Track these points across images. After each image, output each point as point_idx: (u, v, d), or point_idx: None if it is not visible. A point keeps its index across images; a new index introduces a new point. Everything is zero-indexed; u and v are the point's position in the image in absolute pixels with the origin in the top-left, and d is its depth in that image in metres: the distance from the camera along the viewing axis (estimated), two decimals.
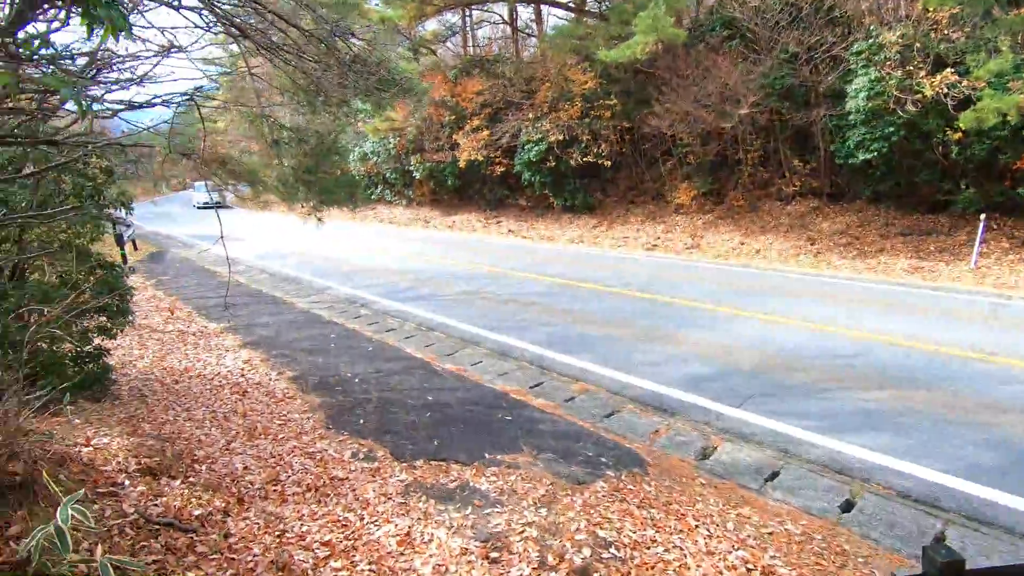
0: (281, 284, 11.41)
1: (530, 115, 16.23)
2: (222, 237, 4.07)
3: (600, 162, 15.05)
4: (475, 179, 19.93)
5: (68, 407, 5.00)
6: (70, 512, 2.14)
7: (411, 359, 6.81)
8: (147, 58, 4.02)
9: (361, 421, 5.08)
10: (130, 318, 6.18)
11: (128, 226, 19.85)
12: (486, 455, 4.36)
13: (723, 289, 9.61)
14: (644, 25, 10.46)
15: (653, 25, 10.39)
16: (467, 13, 20.45)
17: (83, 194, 5.62)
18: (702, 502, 3.81)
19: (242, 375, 6.46)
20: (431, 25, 21.52)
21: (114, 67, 4.11)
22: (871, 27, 10.43)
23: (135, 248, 17.92)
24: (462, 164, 18.47)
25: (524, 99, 16.68)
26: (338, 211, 26.78)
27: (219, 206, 31.66)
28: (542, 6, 17.95)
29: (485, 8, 20.72)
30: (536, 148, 16.24)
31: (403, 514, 3.58)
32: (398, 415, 5.18)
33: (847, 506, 3.75)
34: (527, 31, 20.79)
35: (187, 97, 3.20)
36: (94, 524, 2.37)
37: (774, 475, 4.13)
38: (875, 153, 10.60)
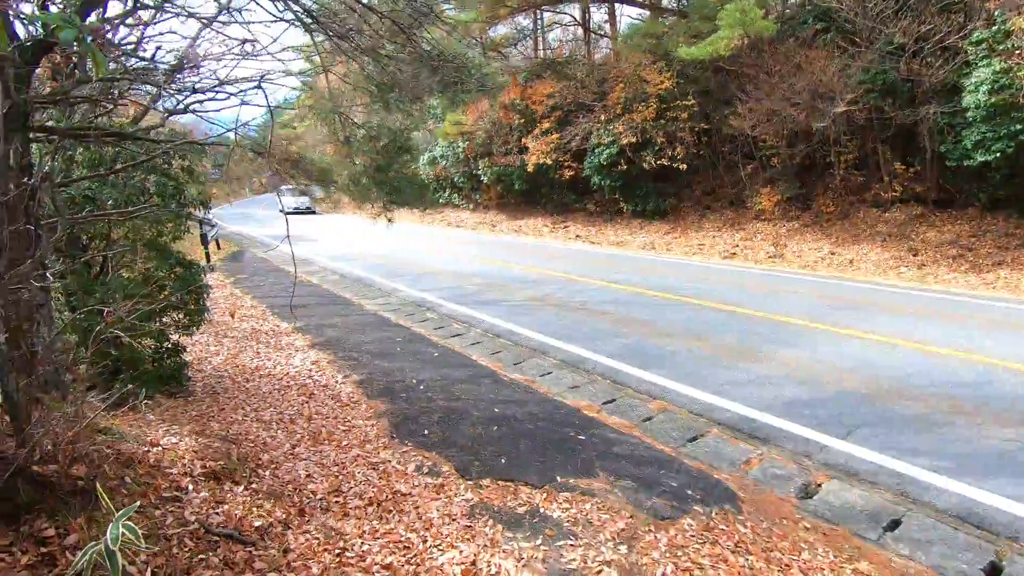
0: (351, 285, 11.54)
1: (602, 117, 15.77)
2: (288, 237, 3.94)
3: (675, 165, 14.37)
4: (543, 183, 19.65)
5: (144, 403, 5.08)
6: (121, 530, 1.99)
7: (477, 367, 6.56)
8: (227, 58, 3.98)
9: (425, 431, 4.86)
10: (206, 315, 6.28)
11: (212, 226, 20.96)
12: (558, 478, 4.01)
13: (814, 303, 8.80)
14: (730, 19, 9.81)
15: (740, 19, 9.72)
16: (539, 15, 20.23)
17: (165, 193, 5.75)
18: (808, 551, 3.29)
19: (309, 376, 6.44)
20: (501, 29, 21.50)
21: (196, 69, 4.11)
22: (995, 13, 9.28)
23: (218, 247, 18.86)
24: (530, 168, 18.25)
25: (596, 101, 16.24)
26: (408, 214, 27.32)
27: (309, 212, 32.54)
28: (616, 5, 17.45)
29: (557, 10, 20.44)
30: (607, 151, 15.76)
31: (468, 539, 3.29)
32: (463, 427, 4.93)
33: (993, 571, 3.12)
34: (599, 32, 20.33)
35: (255, 85, 3.07)
36: (144, 543, 2.22)
37: (895, 524, 3.54)
38: (997, 154, 9.41)
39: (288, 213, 32.39)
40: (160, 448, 3.87)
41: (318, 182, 7.08)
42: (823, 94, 11.10)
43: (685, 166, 14.39)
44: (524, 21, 20.92)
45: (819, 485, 3.99)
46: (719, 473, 4.16)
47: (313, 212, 32.04)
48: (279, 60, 8.82)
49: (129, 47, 3.48)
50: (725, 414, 5.12)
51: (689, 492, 3.85)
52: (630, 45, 15.00)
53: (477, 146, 20.83)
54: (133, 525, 2.15)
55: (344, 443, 4.74)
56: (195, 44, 4.63)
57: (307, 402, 5.70)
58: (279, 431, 5.00)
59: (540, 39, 21.50)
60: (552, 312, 8.80)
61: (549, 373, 6.32)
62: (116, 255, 5.94)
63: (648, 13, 17.23)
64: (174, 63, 4.01)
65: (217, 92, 3.79)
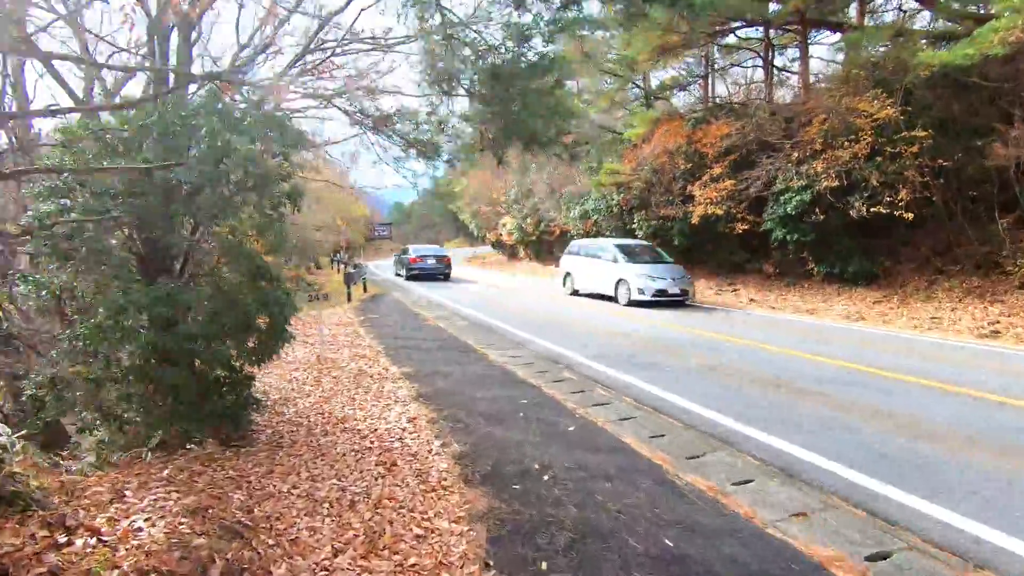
0: (479, 332, 10.03)
1: (793, 156, 13.07)
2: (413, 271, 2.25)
3: (896, 214, 11.12)
4: (707, 239, 17.06)
5: (174, 447, 3.73)
6: None
7: (630, 454, 4.38)
8: None
9: (543, 566, 2.81)
10: (284, 344, 4.97)
11: (357, 266, 21.44)
12: None
13: None
14: (1013, 3, 6.98)
15: None
16: (711, 50, 18.32)
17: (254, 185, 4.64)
18: None
19: (399, 438, 4.76)
20: (669, 72, 19.93)
21: None
22: None
23: (364, 290, 18.95)
24: (695, 220, 15.86)
25: (784, 139, 13.61)
26: (555, 268, 25.99)
27: (440, 275, 28.94)
28: (810, 29, 14.92)
29: (732, 46, 18.39)
30: (797, 198, 12.93)
31: None
32: (609, 567, 2.80)
33: None
34: (785, 69, 17.77)
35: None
36: None
37: None
38: None
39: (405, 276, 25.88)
40: (112, 536, 2.31)
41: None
42: None
43: (910, 215, 11.05)
44: (694, 58, 19.10)
45: None
46: None
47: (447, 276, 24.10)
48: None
49: None
50: None
51: None
52: (843, 63, 12.34)
53: (633, 197, 18.97)
54: None
55: (409, 562, 2.87)
56: None
57: (383, 476, 3.97)
58: (327, 520, 3.29)
59: (712, 77, 19.44)
60: (734, 385, 6.33)
61: (748, 481, 3.94)
62: (201, 259, 4.94)
63: (845, 33, 14.41)
64: None
65: None
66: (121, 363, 3.79)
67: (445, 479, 3.89)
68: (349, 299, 15.36)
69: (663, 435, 4.86)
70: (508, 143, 5.80)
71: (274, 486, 3.69)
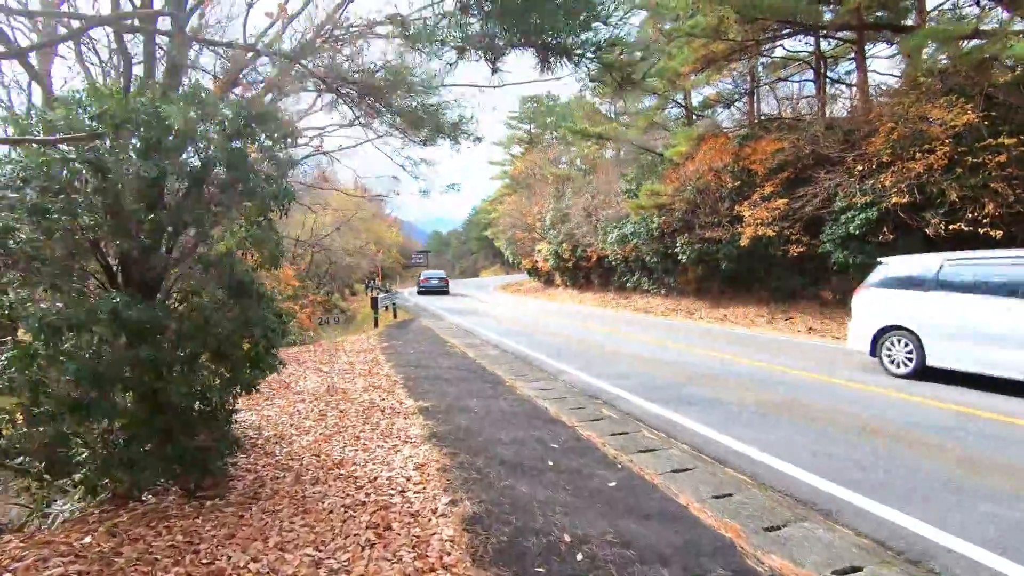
0: (509, 362, 9.15)
1: (856, 170, 11.90)
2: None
3: (983, 231, 9.81)
4: (757, 263, 15.84)
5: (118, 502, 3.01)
6: None
7: (690, 523, 3.40)
8: None
9: None
10: (269, 372, 4.23)
11: (387, 291, 21.00)
12: None
13: None
14: None
15: None
16: (756, 64, 17.36)
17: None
18: None
19: (401, 491, 3.90)
20: (710, 90, 19.04)
21: None
22: None
23: (395, 316, 18.39)
24: (744, 242, 14.71)
25: (845, 152, 12.46)
26: (590, 297, 25.04)
27: (440, 289, 30.14)
28: (867, 36, 13.84)
29: (780, 60, 17.40)
30: (861, 216, 11.71)
31: None
32: None
33: None
34: (840, 81, 16.64)
35: None
36: None
37: None
38: None
39: (419, 292, 30.79)
40: None
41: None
42: None
43: (999, 232, 9.71)
44: (736, 74, 18.16)
45: None
46: None
47: (444, 292, 30.68)
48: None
49: None
50: None
51: None
52: (913, 67, 11.22)
53: (675, 220, 17.96)
54: None
55: None
56: None
57: (372, 545, 3.11)
58: None
59: (756, 97, 18.43)
60: (810, 430, 5.24)
61: (856, 570, 2.91)
62: (188, 274, 4.28)
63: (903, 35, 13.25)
64: None
65: None
66: (53, 394, 3.09)
67: (448, 553, 3.00)
68: (376, 324, 14.76)
69: (729, 494, 3.85)
70: (511, 40, 4.07)
71: (228, 558, 2.87)
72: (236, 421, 4.43)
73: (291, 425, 5.55)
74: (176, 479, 3.65)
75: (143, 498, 3.55)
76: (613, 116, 29.31)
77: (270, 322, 4.17)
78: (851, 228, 12.03)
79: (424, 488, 3.93)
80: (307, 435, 5.28)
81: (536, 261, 32.63)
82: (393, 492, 3.89)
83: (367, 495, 3.86)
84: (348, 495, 3.87)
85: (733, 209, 15.31)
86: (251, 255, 4.39)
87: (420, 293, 29.48)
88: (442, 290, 30.14)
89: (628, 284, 23.66)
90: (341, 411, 6.08)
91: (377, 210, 27.89)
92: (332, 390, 6.98)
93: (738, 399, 6.38)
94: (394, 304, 18.79)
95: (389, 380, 7.61)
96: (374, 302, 14.89)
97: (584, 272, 28.38)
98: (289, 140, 4.18)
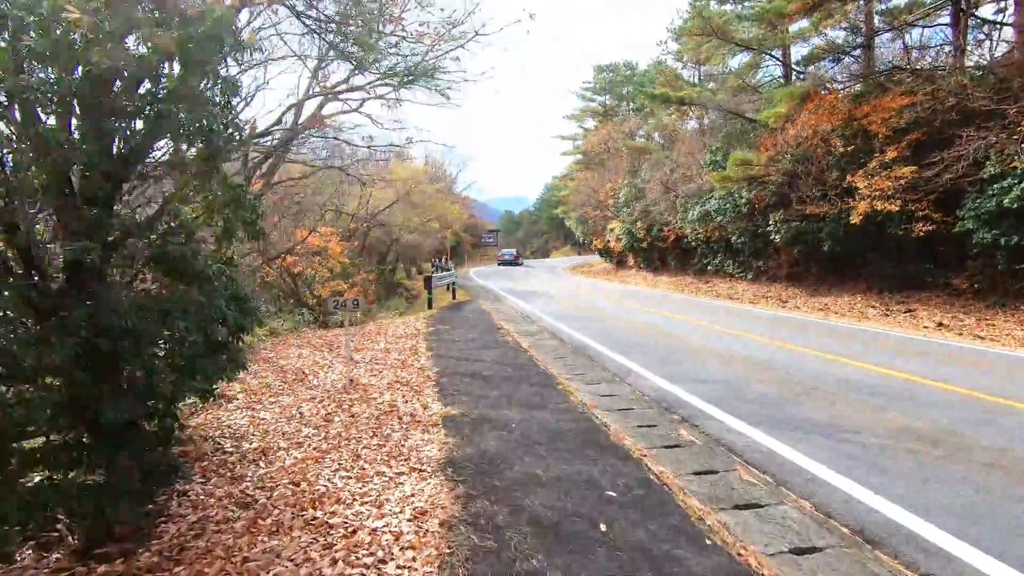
0: (567, 356, 7.80)
1: (1022, 127, 9.40)
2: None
3: None
4: (868, 244, 13.42)
5: None
6: None
7: None
8: None
9: None
10: (224, 380, 3.14)
11: (447, 270, 20.08)
12: None
13: None
14: None
15: None
16: (873, 7, 14.56)
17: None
18: None
19: (380, 563, 2.69)
20: (813, 44, 16.32)
21: None
22: None
23: (453, 297, 17.43)
24: (855, 219, 12.40)
25: (1002, 105, 9.92)
26: (666, 281, 23.07)
27: (515, 263, 34.81)
28: None
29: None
30: (1021, 185, 9.26)
31: None
32: None
33: None
34: (994, 20, 13.56)
35: None
36: None
37: None
38: None
39: (500, 264, 39.14)
40: None
41: None
42: None
43: None
44: (847, 20, 15.35)
45: None
46: None
47: (518, 263, 40.27)
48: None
49: None
50: None
51: None
52: None
53: (768, 194, 15.67)
54: None
55: None
56: None
57: None
58: None
59: (872, 47, 15.52)
60: (1011, 489, 3.53)
61: None
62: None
63: None
64: None
65: None
66: None
67: None
68: (430, 306, 13.80)
69: None
70: None
71: None
72: (187, 435, 3.39)
73: (283, 434, 4.51)
74: (91, 523, 2.62)
75: (17, 557, 2.54)
76: (697, 82, 26.71)
77: (224, 313, 3.05)
78: (1006, 201, 9.57)
79: (413, 560, 2.69)
80: (298, 449, 4.20)
81: (608, 241, 30.76)
82: (370, 562, 2.69)
83: (332, 563, 2.68)
84: (307, 559, 2.71)
85: (843, 179, 12.95)
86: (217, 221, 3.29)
87: (500, 264, 39.56)
88: (516, 262, 39.78)
89: (709, 267, 21.46)
90: (352, 416, 4.99)
91: (442, 186, 27.12)
92: (351, 386, 5.92)
93: (870, 425, 4.69)
94: (453, 284, 17.82)
95: (421, 375, 6.47)
96: (427, 282, 13.93)
97: (660, 253, 26.28)
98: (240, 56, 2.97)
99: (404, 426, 4.69)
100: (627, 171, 28.73)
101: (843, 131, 13.03)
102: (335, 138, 11.90)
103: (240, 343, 3.42)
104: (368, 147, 12.40)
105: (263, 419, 4.86)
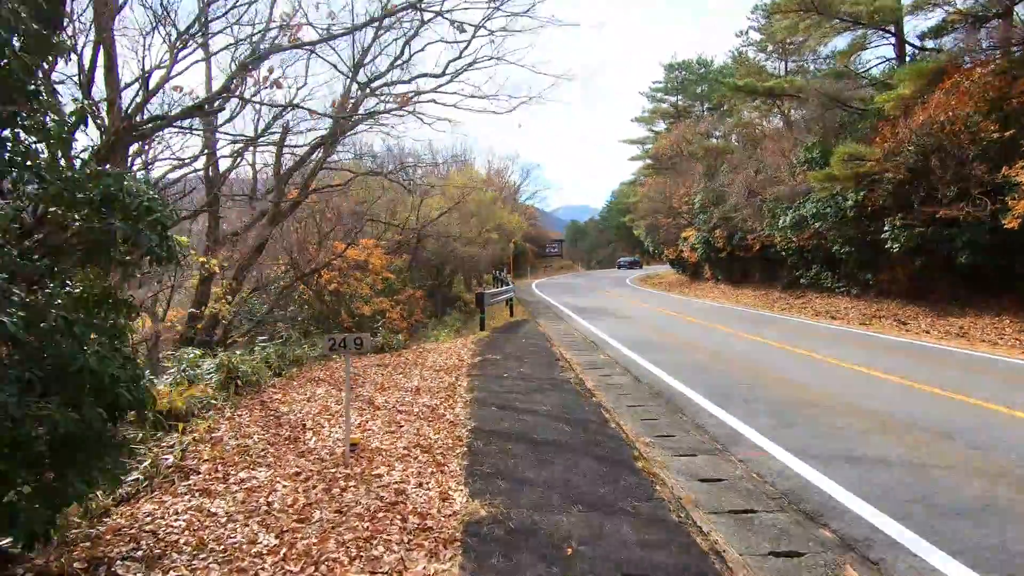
0: (643, 403, 6.00)
1: None
2: None
3: None
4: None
5: None
6: None
7: None
8: None
9: None
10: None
11: (503, 283, 18.54)
12: None
13: None
14: None
15: None
16: None
17: None
18: None
19: None
20: (935, 16, 13.62)
21: None
22: None
23: (511, 314, 15.87)
24: (1010, 223, 9.82)
25: None
26: (750, 295, 20.55)
27: (633, 265, 37.16)
28: None
29: None
30: None
31: None
32: None
33: None
34: None
35: None
36: None
37: None
38: None
39: (621, 267, 42.87)
40: None
41: None
42: None
43: None
44: None
45: None
46: None
47: (638, 265, 45.72)
48: None
49: None
50: None
51: None
52: None
53: (884, 195, 13.10)
54: None
55: None
56: None
57: None
58: None
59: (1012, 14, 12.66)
60: None
61: None
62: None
63: None
64: None
65: None
66: None
67: None
68: (482, 326, 12.28)
69: None
70: None
71: None
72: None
73: (225, 550, 3.01)
74: None
75: None
76: (783, 75, 24.00)
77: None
78: None
79: None
80: None
81: (681, 250, 28.33)
82: None
83: None
84: None
85: (994, 175, 10.34)
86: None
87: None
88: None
89: (802, 280, 18.79)
90: (339, 511, 3.45)
91: (504, 195, 25.78)
92: (353, 454, 4.41)
93: None
94: (510, 300, 16.27)
95: (451, 435, 4.88)
96: (480, 299, 12.44)
97: (741, 264, 23.65)
98: None
99: (406, 538, 3.10)
100: (703, 175, 26.28)
101: (995, 113, 10.43)
102: (385, 141, 10.71)
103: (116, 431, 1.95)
104: (398, 157, 11.14)
105: (213, 514, 3.41)
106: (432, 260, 18.08)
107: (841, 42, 16.94)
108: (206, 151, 9.91)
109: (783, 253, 18.90)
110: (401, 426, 5.12)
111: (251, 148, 10.76)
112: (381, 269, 11.65)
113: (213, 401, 5.59)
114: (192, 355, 6.28)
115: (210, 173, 10.25)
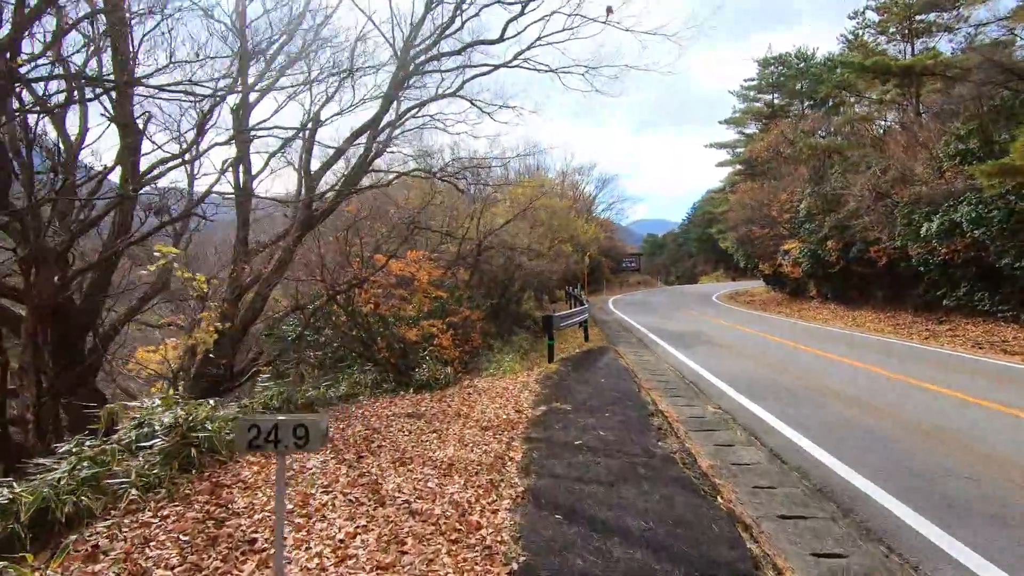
0: (808, 505, 3.66)
1: None
2: None
3: None
4: None
5: None
6: None
7: None
8: None
9: None
10: None
11: (580, 301, 16.30)
12: None
13: None
14: None
15: None
16: None
17: None
18: None
19: None
20: None
21: None
22: None
23: (585, 338, 13.63)
24: None
25: None
26: (871, 315, 17.12)
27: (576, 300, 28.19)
28: None
29: None
30: None
31: None
32: None
33: None
34: None
35: None
36: None
37: None
38: None
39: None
40: None
41: None
42: None
43: None
44: None
45: None
46: None
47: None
48: None
49: None
50: None
51: None
52: None
53: None
54: None
55: None
56: None
57: None
58: None
59: None
60: None
61: None
62: None
63: None
64: None
65: None
66: None
67: None
68: (550, 357, 10.16)
69: None
70: None
71: None
72: None
73: None
74: None
75: None
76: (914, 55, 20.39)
77: None
78: None
79: None
80: None
81: (780, 264, 24.87)
82: None
83: None
84: None
85: None
86: None
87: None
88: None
89: (945, 301, 15.22)
90: None
91: (574, 204, 23.68)
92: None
93: None
94: (585, 323, 14.05)
95: (502, 542, 2.81)
96: (547, 323, 10.35)
97: (859, 280, 20.04)
98: None
99: None
100: (808, 179, 22.90)
101: None
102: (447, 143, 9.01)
103: None
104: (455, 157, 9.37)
105: None
106: (497, 275, 16.22)
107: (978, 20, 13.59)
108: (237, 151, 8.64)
109: (920, 268, 15.46)
110: (404, 551, 3.11)
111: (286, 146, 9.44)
112: (426, 285, 9.88)
113: (136, 488, 3.74)
114: (154, 403, 4.63)
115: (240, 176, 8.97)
